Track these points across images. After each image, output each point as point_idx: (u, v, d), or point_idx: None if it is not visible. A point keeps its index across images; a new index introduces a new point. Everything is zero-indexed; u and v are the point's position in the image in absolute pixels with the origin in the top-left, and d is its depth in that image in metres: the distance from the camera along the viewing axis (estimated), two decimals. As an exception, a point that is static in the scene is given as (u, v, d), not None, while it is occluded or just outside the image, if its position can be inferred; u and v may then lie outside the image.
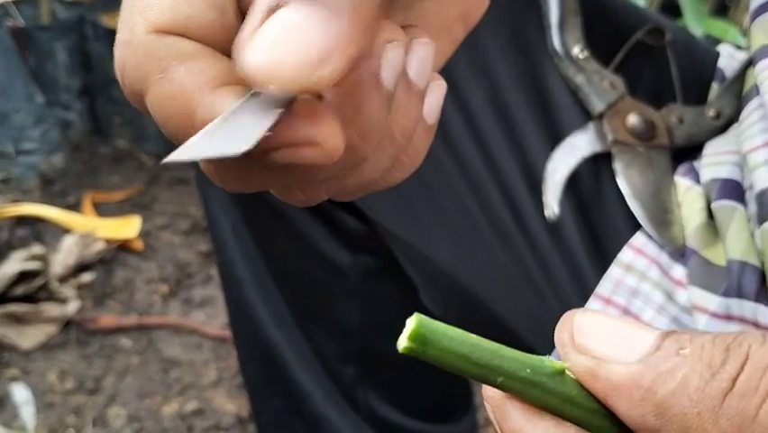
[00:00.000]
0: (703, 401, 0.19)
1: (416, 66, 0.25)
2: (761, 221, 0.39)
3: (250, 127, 0.21)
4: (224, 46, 0.24)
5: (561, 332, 0.22)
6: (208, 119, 0.22)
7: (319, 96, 0.23)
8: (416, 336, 0.21)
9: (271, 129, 0.21)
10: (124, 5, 0.24)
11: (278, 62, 0.20)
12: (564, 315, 0.22)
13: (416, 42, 0.25)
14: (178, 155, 0.20)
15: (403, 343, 0.21)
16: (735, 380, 0.19)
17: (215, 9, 0.24)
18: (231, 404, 1.09)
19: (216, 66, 0.23)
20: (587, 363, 0.21)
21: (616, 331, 0.21)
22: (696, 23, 0.93)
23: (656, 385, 0.19)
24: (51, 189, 1.43)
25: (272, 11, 0.21)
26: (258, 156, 0.22)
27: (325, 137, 0.22)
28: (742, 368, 0.19)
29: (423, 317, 0.21)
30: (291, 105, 0.23)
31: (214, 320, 1.20)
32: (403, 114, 0.25)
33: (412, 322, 0.21)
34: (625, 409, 0.20)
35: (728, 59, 0.55)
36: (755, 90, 0.44)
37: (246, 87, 0.23)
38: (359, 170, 0.26)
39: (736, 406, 0.19)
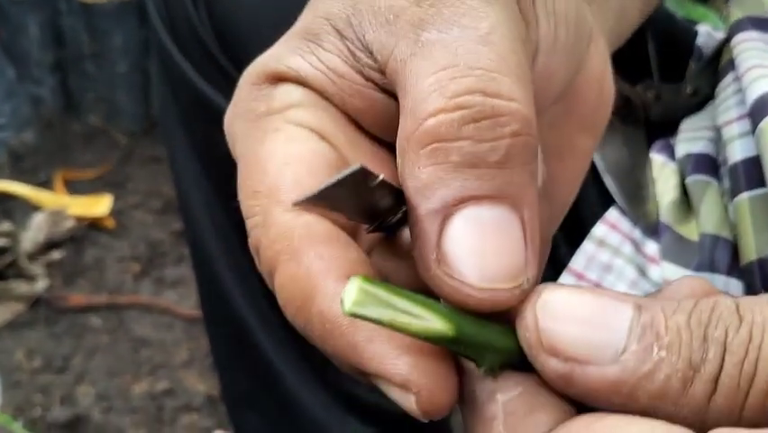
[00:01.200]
0: (688, 406, 0.19)
1: None
2: (734, 194, 0.39)
3: None
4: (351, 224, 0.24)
5: (526, 312, 0.20)
6: (325, 310, 0.21)
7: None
8: (359, 300, 0.20)
9: None
10: (243, 194, 0.24)
11: (494, 278, 0.21)
12: (532, 290, 0.21)
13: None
14: None
15: (347, 306, 0.20)
16: (716, 381, 0.18)
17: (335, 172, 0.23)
18: (202, 384, 1.08)
19: (347, 254, 0.23)
20: (559, 369, 0.20)
21: (587, 312, 0.20)
22: (676, 6, 0.93)
23: (637, 391, 0.19)
24: (22, 166, 1.40)
25: (446, 213, 0.21)
26: None
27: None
28: (721, 365, 0.18)
29: (363, 279, 0.20)
30: None
31: (187, 300, 1.19)
32: None
33: (353, 285, 0.20)
34: (605, 407, 0.20)
35: (706, 37, 0.55)
36: (731, 65, 0.44)
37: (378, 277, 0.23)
38: None
39: (720, 409, 0.18)
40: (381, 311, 0.20)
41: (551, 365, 0.20)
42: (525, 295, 0.21)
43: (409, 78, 0.22)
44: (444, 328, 0.20)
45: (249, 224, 0.24)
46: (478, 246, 0.21)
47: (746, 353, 0.18)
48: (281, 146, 0.24)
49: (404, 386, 0.21)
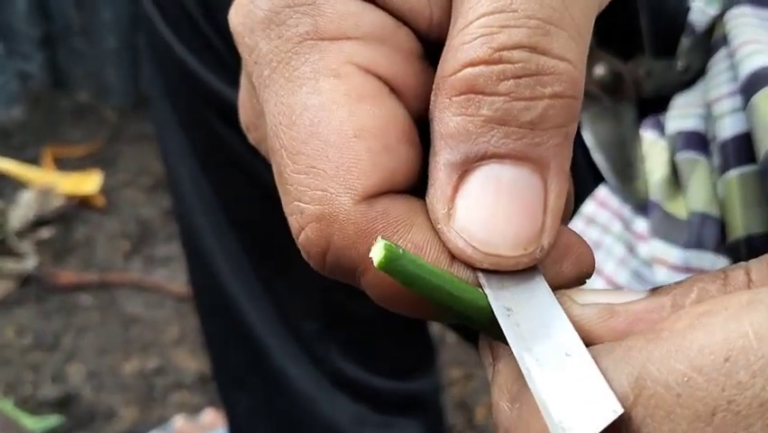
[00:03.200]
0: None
1: None
2: (723, 171, 0.39)
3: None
4: (417, 181, 0.22)
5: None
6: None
7: None
8: (390, 253, 0.19)
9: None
10: (292, 164, 0.20)
11: (500, 237, 0.20)
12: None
13: None
14: None
15: (378, 256, 0.19)
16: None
17: (411, 144, 0.21)
18: (192, 362, 1.08)
19: (435, 235, 0.21)
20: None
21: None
22: (669, -17, 0.92)
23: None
24: (10, 142, 1.39)
25: (466, 167, 0.20)
26: None
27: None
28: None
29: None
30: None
31: (177, 278, 1.18)
32: None
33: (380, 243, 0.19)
34: None
35: (699, 13, 0.54)
36: (723, 40, 0.43)
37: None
38: None
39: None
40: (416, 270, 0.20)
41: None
42: (534, 262, 0.20)
43: (464, 5, 0.20)
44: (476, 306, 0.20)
45: (304, 207, 0.20)
46: (491, 207, 0.20)
47: None
48: (348, 107, 0.20)
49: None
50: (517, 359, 0.19)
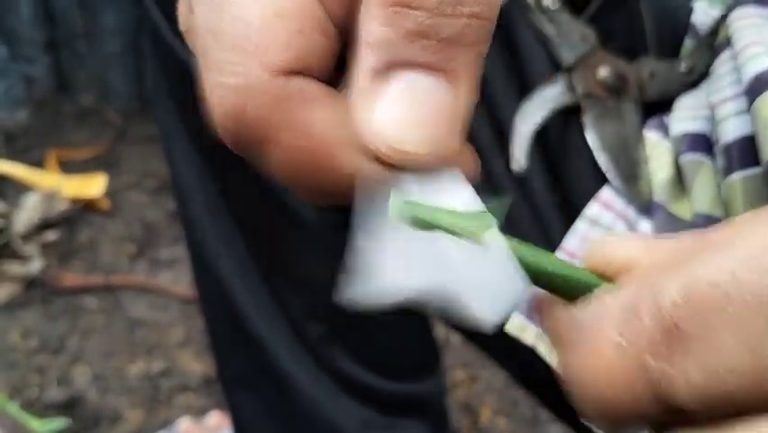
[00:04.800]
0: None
1: None
2: (727, 173, 0.39)
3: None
4: (329, 75, 0.23)
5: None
6: (351, 169, 0.22)
7: None
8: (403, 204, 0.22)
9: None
10: (217, 44, 0.22)
11: (414, 138, 0.21)
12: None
13: None
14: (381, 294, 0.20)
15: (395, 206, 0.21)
16: None
17: (325, 35, 0.23)
18: (198, 364, 1.08)
19: (346, 116, 0.22)
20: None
21: None
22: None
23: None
24: (15, 146, 1.40)
25: (387, 72, 0.21)
26: None
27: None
28: None
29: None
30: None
31: (182, 280, 1.19)
32: None
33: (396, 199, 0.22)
34: None
35: (703, 14, 0.54)
36: (727, 42, 0.43)
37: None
38: None
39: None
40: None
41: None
42: (441, 161, 0.22)
43: None
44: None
45: (225, 81, 0.22)
46: (405, 111, 0.22)
47: None
48: None
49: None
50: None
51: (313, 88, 0.22)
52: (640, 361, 0.18)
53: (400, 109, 0.22)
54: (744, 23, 0.42)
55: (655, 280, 0.18)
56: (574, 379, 0.20)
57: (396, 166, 0.22)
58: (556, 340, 0.21)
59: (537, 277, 0.22)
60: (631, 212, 0.46)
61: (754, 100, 0.36)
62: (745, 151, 0.38)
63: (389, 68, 0.22)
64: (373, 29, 0.21)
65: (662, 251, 0.20)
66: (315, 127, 0.22)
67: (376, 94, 0.22)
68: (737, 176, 0.37)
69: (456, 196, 0.22)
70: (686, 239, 0.20)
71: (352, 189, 0.22)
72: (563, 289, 0.22)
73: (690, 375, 0.17)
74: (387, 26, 0.21)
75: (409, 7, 0.21)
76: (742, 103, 0.39)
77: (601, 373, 0.19)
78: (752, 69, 0.37)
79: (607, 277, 0.21)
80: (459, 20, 0.21)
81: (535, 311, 0.23)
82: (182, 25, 0.28)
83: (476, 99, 0.23)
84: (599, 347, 0.19)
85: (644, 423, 0.19)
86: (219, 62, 0.22)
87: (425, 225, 0.21)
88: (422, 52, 0.21)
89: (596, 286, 0.21)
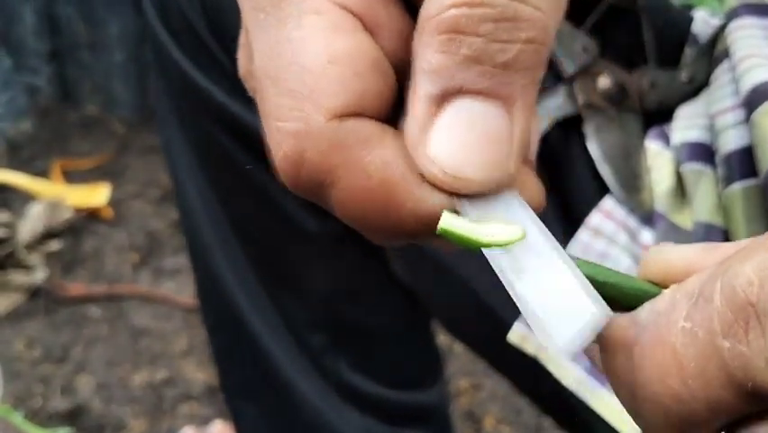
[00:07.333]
0: None
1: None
2: (727, 183, 0.39)
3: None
4: (387, 111, 0.24)
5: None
6: (422, 212, 0.22)
7: None
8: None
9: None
10: (275, 90, 0.23)
11: (469, 163, 0.22)
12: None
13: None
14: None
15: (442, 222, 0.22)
16: None
17: (381, 74, 0.23)
18: (201, 373, 1.08)
19: (405, 152, 0.23)
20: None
21: None
22: (673, -8, 0.92)
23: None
24: (19, 156, 1.40)
25: (442, 99, 0.22)
26: None
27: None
28: None
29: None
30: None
31: (185, 289, 1.19)
32: None
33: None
34: None
35: (702, 24, 0.54)
36: (726, 52, 0.43)
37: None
38: None
39: None
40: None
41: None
42: (499, 187, 0.23)
43: None
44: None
45: (283, 126, 0.22)
46: (462, 137, 0.22)
47: None
48: (325, 38, 0.23)
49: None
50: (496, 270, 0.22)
51: (368, 129, 0.22)
52: (713, 344, 0.17)
53: (456, 135, 0.22)
54: (742, 33, 0.42)
55: (725, 267, 0.17)
56: (634, 382, 0.18)
57: (454, 193, 0.22)
58: (613, 346, 0.20)
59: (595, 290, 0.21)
60: (633, 222, 0.46)
61: (752, 112, 0.36)
62: (745, 161, 0.38)
63: (445, 94, 0.22)
64: (428, 56, 0.22)
65: (722, 253, 0.20)
66: (371, 166, 0.22)
67: (432, 121, 0.22)
68: (738, 186, 0.38)
69: (515, 219, 0.22)
70: (745, 241, 0.19)
71: (418, 226, 0.23)
72: (621, 300, 0.21)
73: None
74: (442, 53, 0.21)
75: (464, 33, 0.21)
76: (741, 114, 0.39)
77: (669, 366, 0.17)
78: (750, 81, 0.38)
79: (665, 286, 0.20)
80: (514, 45, 0.21)
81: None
82: (241, 70, 0.28)
83: (534, 125, 0.23)
84: (665, 339, 0.18)
85: (714, 427, 0.18)
86: (277, 108, 0.23)
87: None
88: (478, 78, 0.21)
89: (655, 295, 0.20)
